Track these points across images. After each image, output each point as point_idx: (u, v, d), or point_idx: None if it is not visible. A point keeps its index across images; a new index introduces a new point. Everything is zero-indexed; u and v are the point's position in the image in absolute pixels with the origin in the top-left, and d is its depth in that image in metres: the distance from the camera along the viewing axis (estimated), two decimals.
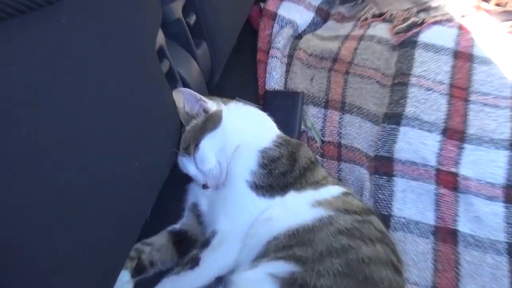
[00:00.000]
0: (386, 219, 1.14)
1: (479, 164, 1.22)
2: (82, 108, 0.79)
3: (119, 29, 0.86)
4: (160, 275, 1.04)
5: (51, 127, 0.73)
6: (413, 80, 1.34)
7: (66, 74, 0.76)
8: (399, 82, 1.35)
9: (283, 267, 0.92)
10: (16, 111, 0.67)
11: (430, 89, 1.33)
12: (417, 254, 1.11)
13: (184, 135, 1.13)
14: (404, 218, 1.15)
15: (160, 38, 1.02)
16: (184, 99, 1.14)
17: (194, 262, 1.02)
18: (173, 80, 1.12)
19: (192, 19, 1.15)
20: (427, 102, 1.31)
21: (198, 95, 1.13)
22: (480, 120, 1.28)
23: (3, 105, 0.65)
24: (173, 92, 1.09)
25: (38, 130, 0.71)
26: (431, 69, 1.37)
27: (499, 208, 1.16)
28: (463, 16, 1.49)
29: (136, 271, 1.06)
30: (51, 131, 0.73)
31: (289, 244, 0.97)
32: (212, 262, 1.03)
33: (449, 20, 1.49)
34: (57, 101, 0.74)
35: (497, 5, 1.50)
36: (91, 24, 0.80)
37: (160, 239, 1.13)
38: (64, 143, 0.75)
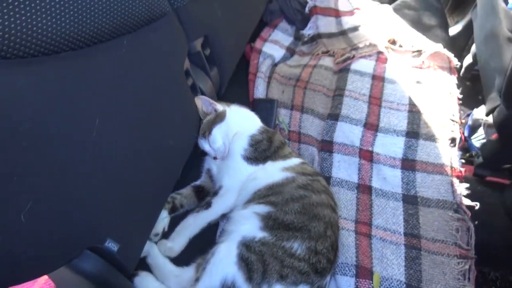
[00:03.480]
0: (327, 179, 1.18)
1: (386, 145, 1.27)
2: (139, 109, 0.82)
3: (161, 57, 0.92)
4: (186, 213, 1.08)
5: (118, 120, 0.76)
6: (346, 93, 1.39)
7: (127, 84, 0.79)
8: (338, 94, 1.40)
9: (263, 208, 0.97)
10: (94, 109, 0.70)
11: (357, 99, 1.39)
12: (346, 200, 1.15)
13: (202, 125, 1.17)
14: (339, 178, 1.19)
15: (187, 63, 1.07)
16: (202, 103, 1.17)
17: (208, 205, 1.07)
18: (195, 91, 1.15)
19: (207, 51, 1.19)
20: (355, 106, 1.36)
21: (211, 100, 1.17)
22: (388, 118, 1.34)
23: (87, 107, 0.68)
24: (195, 98, 1.14)
25: (109, 123, 0.73)
26: (358, 86, 1.42)
27: (397, 172, 1.21)
28: (379, 53, 1.54)
29: (171, 210, 1.09)
30: (118, 123, 0.76)
31: (267, 194, 1.02)
32: (219, 205, 1.07)
33: (370, 55, 1.53)
34: (121, 105, 0.77)
35: (400, 46, 1.59)
36: (143, 53, 0.84)
37: (187, 191, 1.16)
38: (126, 130, 0.79)
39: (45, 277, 0.67)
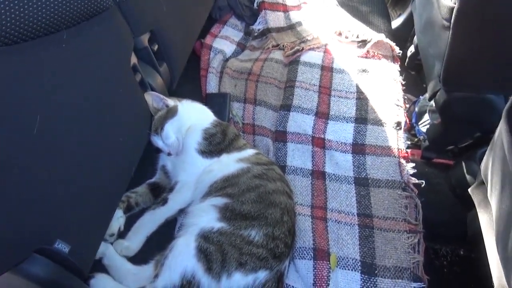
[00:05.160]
0: (283, 168, 1.22)
1: (337, 132, 1.33)
2: (84, 105, 0.82)
3: (105, 52, 0.90)
4: (143, 212, 1.09)
5: (62, 117, 0.75)
6: (297, 84, 1.44)
7: (70, 81, 0.77)
8: (289, 85, 1.45)
9: (220, 200, 0.99)
10: (33, 106, 0.68)
11: (308, 89, 1.44)
12: (301, 187, 1.19)
13: (154, 121, 1.16)
14: (294, 167, 1.24)
15: (133, 58, 1.06)
16: (152, 99, 1.18)
17: (164, 201, 1.08)
18: (144, 87, 1.15)
19: (155, 47, 1.19)
20: (306, 97, 1.41)
21: (162, 96, 1.18)
22: (337, 106, 1.40)
23: (26, 104, 0.67)
24: (145, 94, 1.14)
25: (52, 121, 0.72)
26: (308, 77, 1.47)
27: (349, 157, 1.28)
28: (326, 44, 1.61)
29: (127, 210, 1.09)
30: (62, 120, 0.75)
31: (223, 186, 1.04)
32: (176, 200, 1.08)
33: (318, 47, 1.59)
34: (64, 102, 0.76)
35: (346, 37, 1.66)
36: (85, 48, 0.83)
37: (142, 189, 1.16)
38: (72, 128, 0.78)
39: None
